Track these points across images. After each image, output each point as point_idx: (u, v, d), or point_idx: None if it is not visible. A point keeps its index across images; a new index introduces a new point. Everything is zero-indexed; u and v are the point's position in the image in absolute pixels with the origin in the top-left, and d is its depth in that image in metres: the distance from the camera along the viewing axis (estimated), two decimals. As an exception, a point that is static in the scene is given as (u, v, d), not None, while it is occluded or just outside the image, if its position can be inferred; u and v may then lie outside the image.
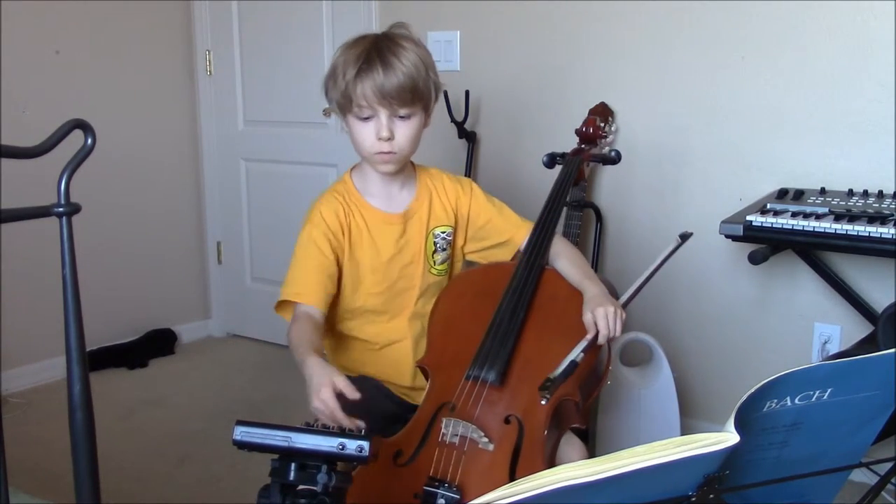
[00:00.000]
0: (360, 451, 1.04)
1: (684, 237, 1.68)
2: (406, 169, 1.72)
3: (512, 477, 1.39)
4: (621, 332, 1.55)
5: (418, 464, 1.42)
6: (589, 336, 1.52)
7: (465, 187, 1.78)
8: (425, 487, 1.36)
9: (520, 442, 1.43)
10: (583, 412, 1.55)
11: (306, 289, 1.60)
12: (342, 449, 1.04)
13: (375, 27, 3.05)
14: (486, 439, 1.42)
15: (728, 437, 0.76)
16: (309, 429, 1.06)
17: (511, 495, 0.72)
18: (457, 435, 1.43)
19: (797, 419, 0.88)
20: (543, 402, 1.44)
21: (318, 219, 1.65)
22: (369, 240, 1.67)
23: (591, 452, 2.34)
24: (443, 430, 1.44)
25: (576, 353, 1.50)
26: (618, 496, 0.75)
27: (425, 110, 1.63)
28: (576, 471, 0.71)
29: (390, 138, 1.58)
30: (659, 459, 0.72)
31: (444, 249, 1.74)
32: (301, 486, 1.07)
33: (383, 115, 1.57)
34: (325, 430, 1.06)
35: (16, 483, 1.55)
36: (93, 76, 3.28)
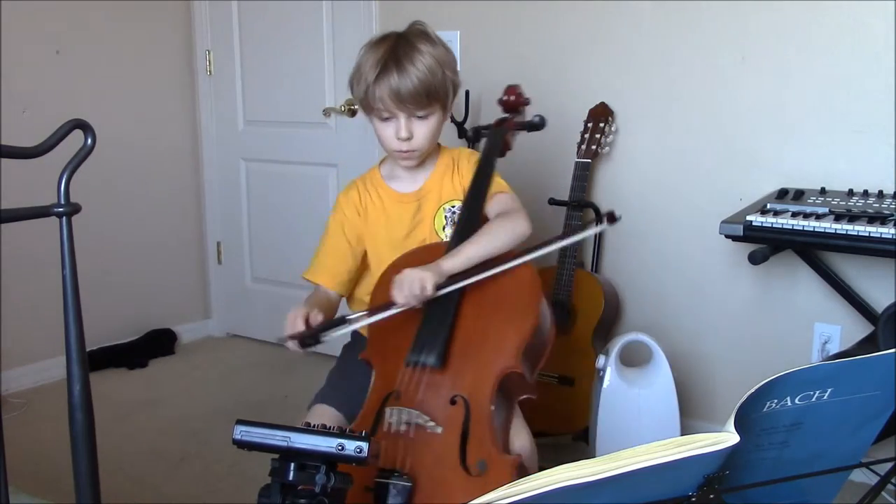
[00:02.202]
0: (359, 452, 1.04)
1: (611, 220, 1.52)
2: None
3: (463, 457, 1.39)
4: (417, 301, 1.50)
5: None
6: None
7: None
8: (376, 480, 1.35)
9: (468, 421, 1.43)
10: (533, 383, 1.55)
11: (318, 270, 1.78)
12: (341, 450, 1.04)
13: (375, 27, 3.05)
14: (432, 423, 1.42)
15: (728, 437, 0.76)
16: (308, 429, 1.06)
17: (511, 495, 0.72)
18: (402, 422, 1.43)
19: (797, 419, 0.88)
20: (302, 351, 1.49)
21: (337, 205, 1.80)
22: (384, 217, 1.77)
23: (592, 453, 2.35)
24: (388, 420, 1.44)
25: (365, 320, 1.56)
26: (618, 496, 0.75)
27: (443, 108, 1.71)
28: (576, 471, 0.71)
29: (409, 138, 1.67)
30: (659, 459, 0.72)
31: (454, 223, 1.76)
32: (301, 486, 1.07)
33: (401, 116, 1.66)
34: (325, 431, 1.06)
35: (16, 483, 1.55)
36: (93, 76, 3.28)
